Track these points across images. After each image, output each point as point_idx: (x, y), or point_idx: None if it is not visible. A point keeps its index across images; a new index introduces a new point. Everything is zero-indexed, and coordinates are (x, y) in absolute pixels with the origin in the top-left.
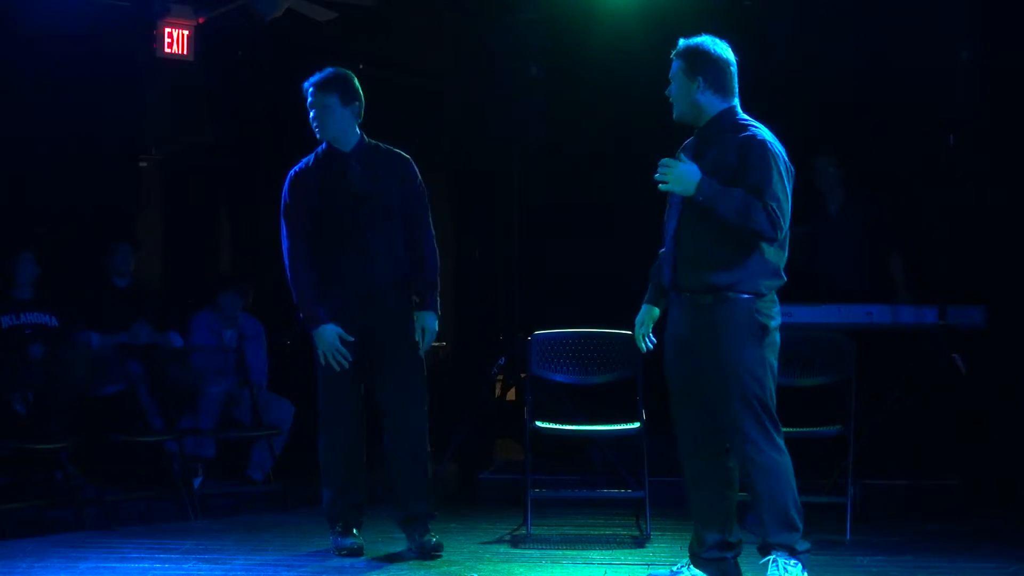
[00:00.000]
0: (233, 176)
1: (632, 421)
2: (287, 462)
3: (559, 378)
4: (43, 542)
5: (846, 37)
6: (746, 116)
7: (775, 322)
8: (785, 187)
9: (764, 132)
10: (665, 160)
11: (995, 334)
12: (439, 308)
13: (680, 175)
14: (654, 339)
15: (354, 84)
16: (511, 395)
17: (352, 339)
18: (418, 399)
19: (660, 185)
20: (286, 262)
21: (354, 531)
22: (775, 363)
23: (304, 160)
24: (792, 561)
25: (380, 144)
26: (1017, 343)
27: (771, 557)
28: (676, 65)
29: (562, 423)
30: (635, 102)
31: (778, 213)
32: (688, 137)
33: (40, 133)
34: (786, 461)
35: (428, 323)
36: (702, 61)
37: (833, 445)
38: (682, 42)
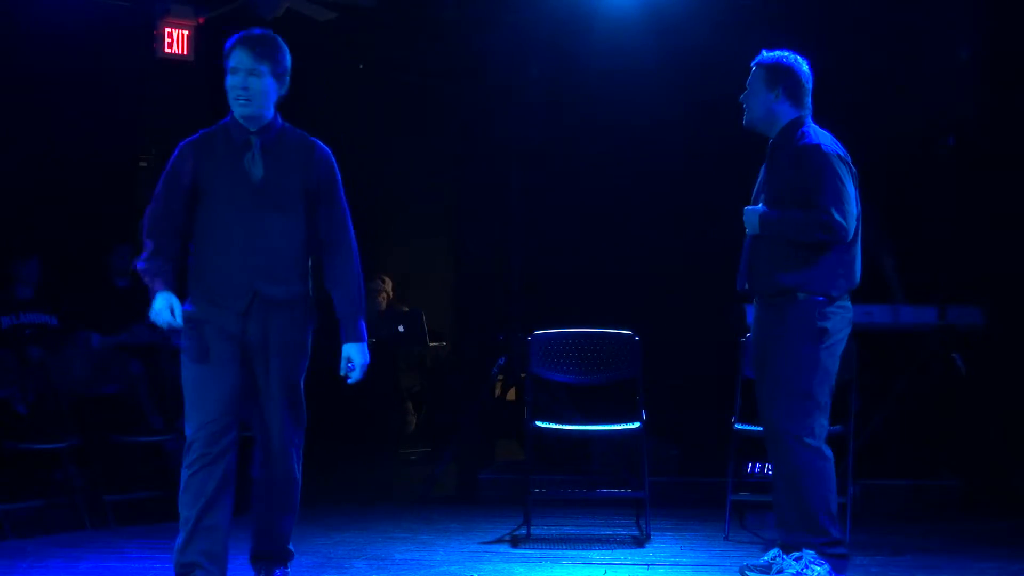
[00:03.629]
0: None
1: (632, 421)
2: None
3: (559, 378)
4: (43, 542)
5: (846, 37)
6: (810, 123)
7: (835, 325)
8: (841, 187)
9: (819, 136)
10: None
11: (995, 334)
12: (364, 334)
13: (748, 219)
14: None
15: (286, 50)
16: (511, 395)
17: (180, 324)
18: (291, 429)
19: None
20: (145, 221)
21: None
22: (833, 368)
23: (202, 131)
24: (820, 561)
25: (292, 127)
26: (1017, 343)
27: (797, 554)
28: (756, 75)
29: (562, 423)
30: (635, 102)
31: (836, 219)
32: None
33: (40, 133)
34: (826, 465)
35: (357, 357)
36: (782, 73)
37: (833, 445)
38: (763, 55)
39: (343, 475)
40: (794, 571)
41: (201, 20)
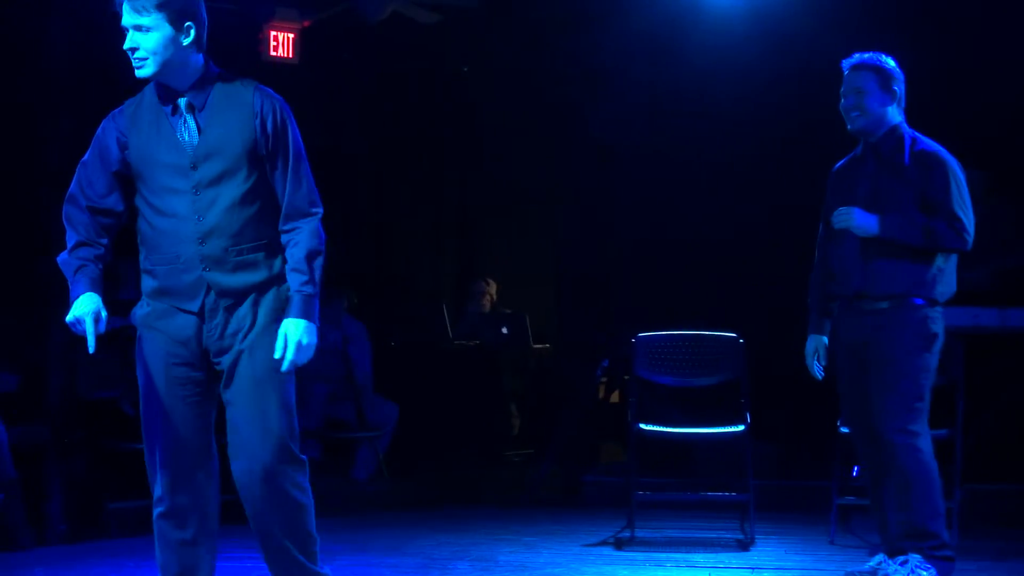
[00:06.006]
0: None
1: (737, 424)
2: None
3: (663, 380)
4: (146, 541)
5: (948, 36)
6: (911, 128)
7: (942, 330)
8: (965, 198)
9: (932, 142)
10: (841, 210)
11: None
12: (314, 313)
13: (861, 219)
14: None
15: None
16: (615, 397)
17: (98, 333)
18: (272, 450)
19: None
20: (65, 210)
21: None
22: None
23: (128, 100)
24: (926, 565)
25: (230, 75)
26: None
27: (903, 558)
28: (868, 77)
29: (666, 425)
30: (740, 101)
31: (961, 226)
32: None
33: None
34: (935, 467)
35: (290, 331)
36: (895, 77)
37: (939, 449)
38: (866, 56)
39: (447, 477)
40: None
41: (306, 23)
